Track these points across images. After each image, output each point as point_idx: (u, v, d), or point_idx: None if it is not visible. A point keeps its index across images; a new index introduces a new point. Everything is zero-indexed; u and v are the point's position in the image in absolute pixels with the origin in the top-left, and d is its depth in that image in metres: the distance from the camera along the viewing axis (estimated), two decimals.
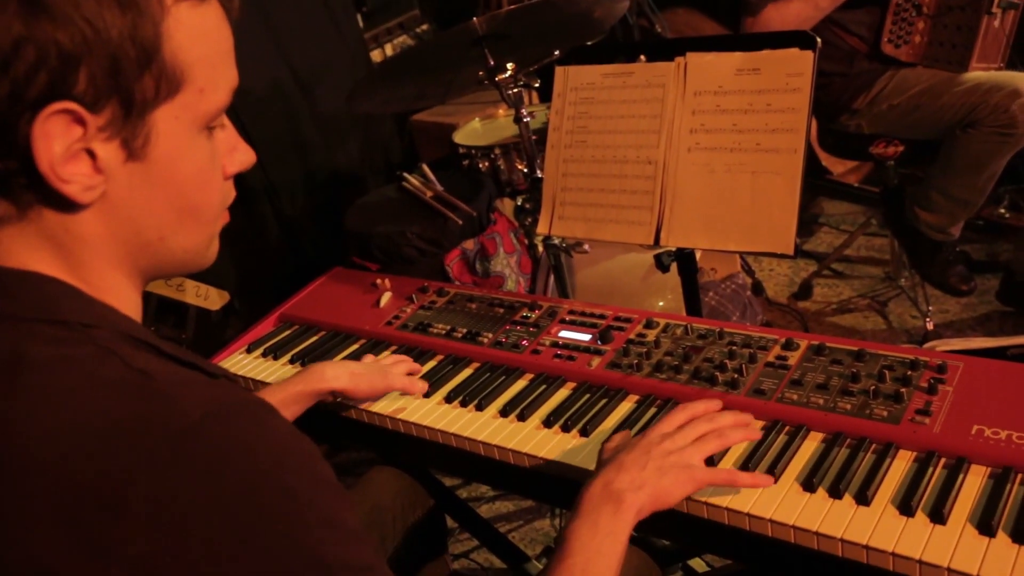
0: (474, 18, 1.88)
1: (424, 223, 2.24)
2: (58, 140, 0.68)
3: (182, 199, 0.77)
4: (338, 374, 1.39)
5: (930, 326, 2.46)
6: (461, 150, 2.63)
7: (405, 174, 2.51)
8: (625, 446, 1.07)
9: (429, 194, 2.36)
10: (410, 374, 1.47)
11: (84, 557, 0.62)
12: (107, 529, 0.62)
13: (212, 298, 2.32)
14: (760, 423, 1.18)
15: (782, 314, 2.78)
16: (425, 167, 2.51)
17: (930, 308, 2.50)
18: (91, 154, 0.70)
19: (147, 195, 0.75)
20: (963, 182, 2.26)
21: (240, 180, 2.80)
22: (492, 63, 1.94)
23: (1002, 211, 2.78)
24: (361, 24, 3.94)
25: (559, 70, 1.70)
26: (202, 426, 0.66)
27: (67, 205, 0.72)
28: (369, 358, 1.50)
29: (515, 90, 1.92)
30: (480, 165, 2.57)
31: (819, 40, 1.42)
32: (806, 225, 3.24)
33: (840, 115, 2.44)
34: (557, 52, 1.92)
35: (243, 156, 0.84)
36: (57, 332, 0.70)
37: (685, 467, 1.02)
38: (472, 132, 2.83)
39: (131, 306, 0.79)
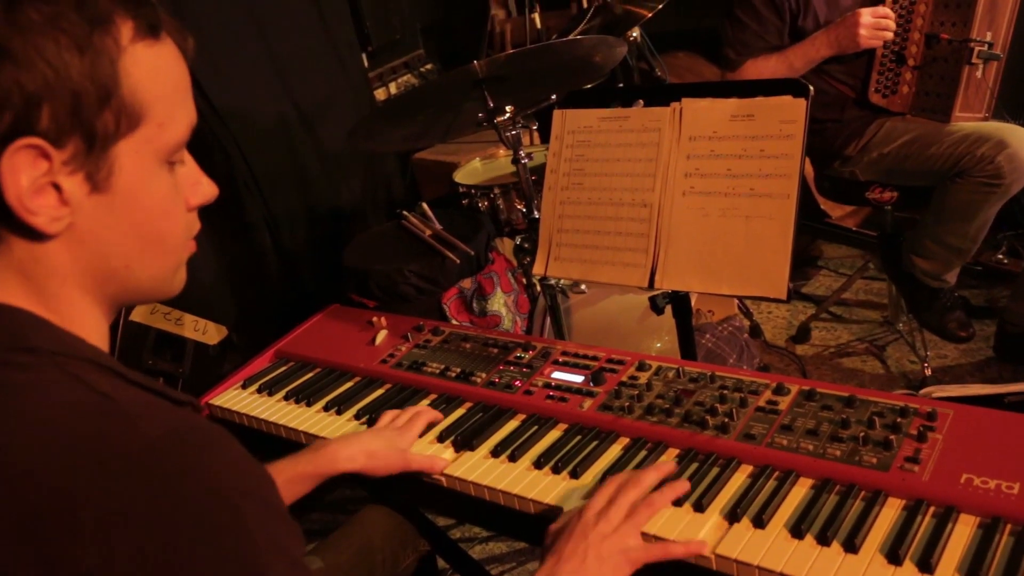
0: (475, 61, 1.90)
1: (422, 261, 2.25)
2: (24, 174, 0.72)
3: (146, 229, 0.81)
4: (353, 456, 1.33)
5: (928, 372, 2.45)
6: (461, 189, 2.65)
7: (405, 212, 2.52)
8: (564, 529, 1.09)
9: (428, 232, 2.38)
10: (431, 424, 1.44)
11: (39, 571, 0.64)
12: (61, 543, 0.64)
13: (210, 333, 2.32)
14: (749, 468, 1.18)
15: (780, 357, 2.78)
16: (424, 205, 2.53)
17: (928, 353, 2.50)
18: (57, 187, 0.74)
19: (112, 225, 0.78)
20: (955, 230, 2.27)
21: (240, 213, 2.82)
22: (492, 105, 1.97)
23: (1000, 257, 2.79)
24: (366, 63, 4.00)
25: (557, 113, 1.72)
26: (159, 446, 0.68)
27: (35, 236, 0.75)
28: (387, 417, 1.44)
29: (513, 132, 1.94)
30: (479, 204, 2.58)
31: (811, 88, 1.44)
32: (804, 268, 3.25)
33: (834, 161, 2.47)
34: (554, 96, 1.94)
35: (206, 189, 0.88)
36: (25, 359, 0.72)
37: (622, 551, 1.06)
38: (472, 171, 2.85)
39: (98, 334, 0.82)
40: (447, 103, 2.11)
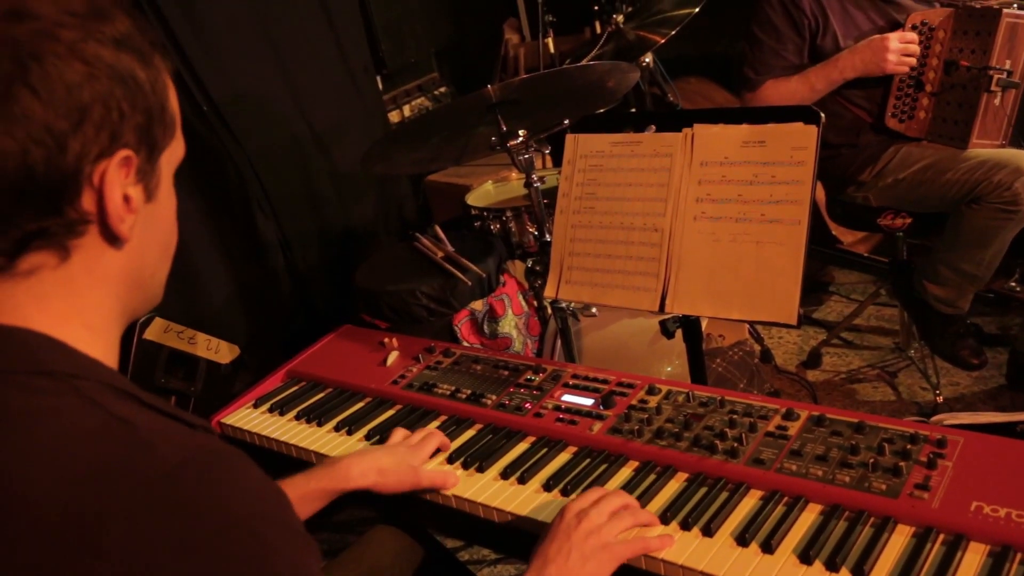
0: (488, 86, 1.92)
1: (434, 283, 2.26)
2: (119, 184, 0.77)
3: (167, 238, 0.88)
4: (365, 471, 1.34)
5: (940, 399, 2.44)
6: (473, 212, 2.66)
7: (417, 234, 2.54)
8: (547, 533, 1.12)
9: (440, 254, 2.39)
10: (439, 450, 1.44)
11: None
12: (83, 570, 0.64)
13: (222, 352, 2.34)
14: (759, 493, 1.18)
15: (791, 383, 2.77)
16: (437, 227, 2.54)
17: (940, 381, 2.49)
18: (126, 197, 0.78)
19: (152, 233, 0.84)
20: (969, 257, 2.27)
21: (254, 234, 2.83)
22: (505, 129, 1.98)
23: (1013, 284, 2.77)
24: (381, 86, 4.04)
25: (569, 137, 1.74)
26: (178, 472, 0.69)
27: (112, 242, 0.79)
28: (399, 434, 1.46)
29: (526, 155, 1.96)
30: (491, 227, 2.60)
31: (823, 115, 1.45)
32: (816, 294, 3.25)
33: (847, 186, 2.47)
34: (567, 121, 1.96)
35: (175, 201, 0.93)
36: (42, 383, 0.73)
37: (605, 547, 1.09)
38: (485, 194, 2.87)
39: (114, 351, 0.84)
40: (460, 127, 2.13)
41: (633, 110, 3.04)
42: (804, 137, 1.47)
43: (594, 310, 2.41)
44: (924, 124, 2.31)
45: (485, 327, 2.31)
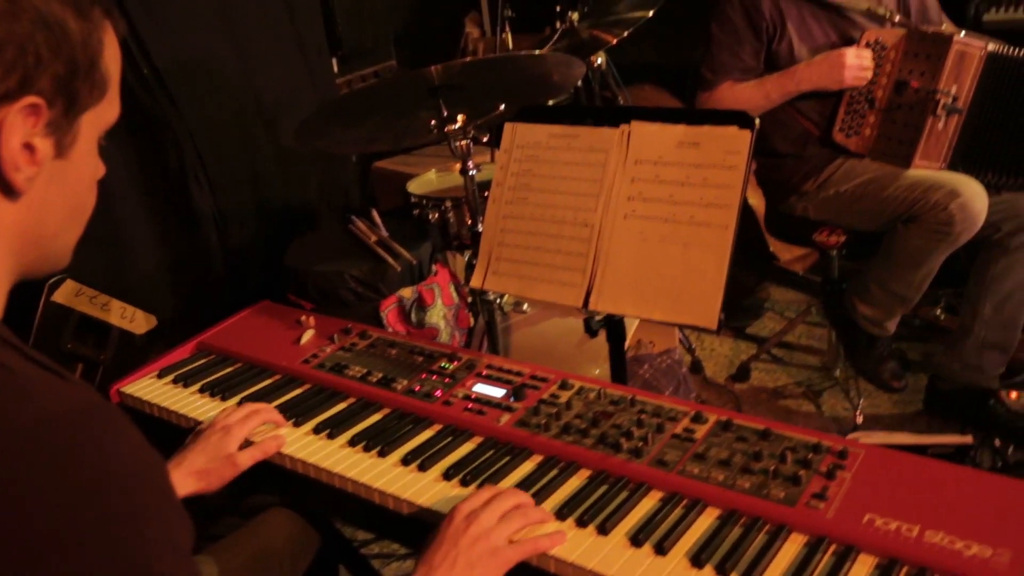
0: (432, 66, 1.88)
1: (363, 266, 2.21)
2: (20, 131, 0.74)
3: (79, 199, 0.86)
4: (182, 481, 1.28)
5: (859, 419, 2.46)
6: (413, 199, 2.62)
7: (353, 217, 2.49)
8: (434, 535, 1.08)
9: (373, 238, 2.34)
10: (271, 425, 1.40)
11: None
12: None
13: (138, 321, 2.26)
14: (659, 494, 1.15)
15: (718, 394, 2.77)
16: (374, 212, 2.49)
17: (861, 402, 2.51)
18: (30, 147, 0.76)
19: (58, 192, 0.81)
20: (901, 276, 2.29)
21: (188, 205, 2.74)
22: (445, 113, 1.94)
23: (938, 312, 2.82)
24: (336, 68, 3.97)
25: (508, 126, 1.71)
26: (58, 422, 0.67)
27: (5, 192, 0.76)
28: (220, 415, 1.40)
29: (464, 142, 1.92)
30: (430, 216, 2.55)
31: (757, 121, 1.43)
32: (752, 309, 3.27)
33: (789, 196, 2.48)
34: (503, 107, 1.93)
35: (102, 169, 0.91)
36: None
37: (493, 552, 1.05)
38: (426, 182, 2.83)
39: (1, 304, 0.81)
40: (401, 108, 2.08)
41: None
42: (737, 142, 1.45)
43: (525, 307, 2.39)
44: (869, 141, 2.33)
45: (412, 315, 2.26)
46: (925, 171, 2.23)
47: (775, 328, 3.07)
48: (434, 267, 2.34)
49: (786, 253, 3.02)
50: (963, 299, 2.41)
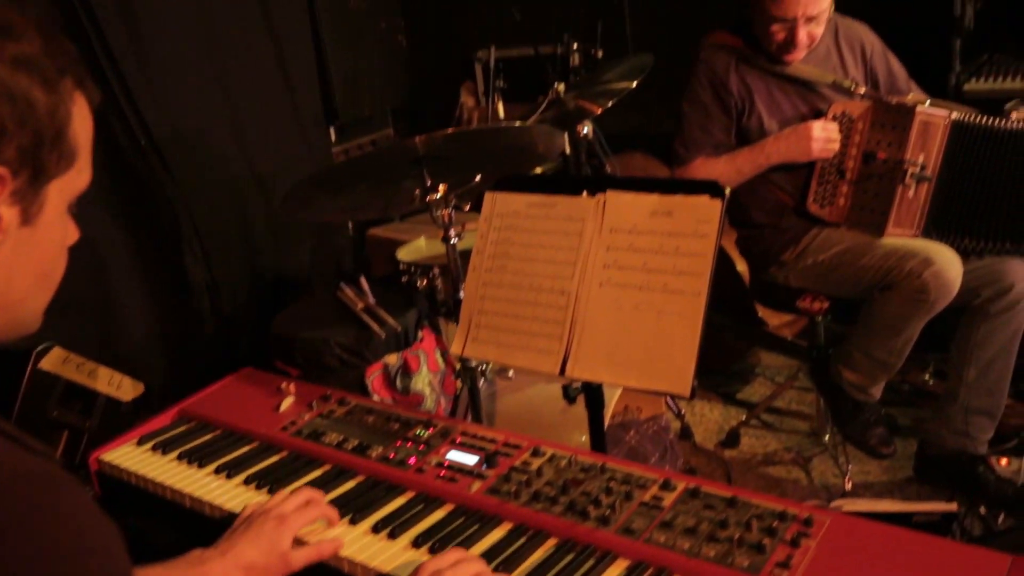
0: (416, 137, 1.93)
1: (349, 333, 2.23)
2: None
3: (47, 266, 0.87)
4: (228, 572, 1.17)
5: (848, 486, 2.44)
6: (402, 266, 2.65)
7: (342, 284, 2.52)
8: None
9: (360, 305, 2.37)
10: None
11: None
12: None
13: (125, 388, 2.27)
14: (625, 563, 1.15)
15: (707, 461, 2.76)
16: (363, 279, 2.52)
17: (851, 468, 2.49)
18: None
19: (25, 259, 0.82)
20: (881, 343, 2.30)
21: (180, 273, 2.77)
22: (429, 183, 1.98)
23: (926, 377, 2.82)
24: (334, 136, 4.05)
25: (488, 195, 1.74)
26: (8, 487, 0.68)
27: None
28: (278, 498, 1.31)
29: (446, 211, 1.96)
30: (418, 283, 2.58)
31: (728, 191, 1.46)
32: (742, 374, 3.26)
33: (770, 266, 2.51)
34: (478, 178, 1.97)
35: (75, 234, 0.91)
36: None
37: None
38: (416, 249, 2.87)
39: None
40: (387, 177, 2.12)
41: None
42: (709, 211, 1.48)
43: (511, 373, 2.40)
44: (843, 210, 2.37)
45: (398, 382, 2.27)
46: (899, 239, 2.25)
47: (765, 393, 3.07)
48: (420, 333, 2.36)
49: (774, 319, 3.04)
50: (948, 365, 2.41)
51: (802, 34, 2.30)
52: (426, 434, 1.52)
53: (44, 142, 0.79)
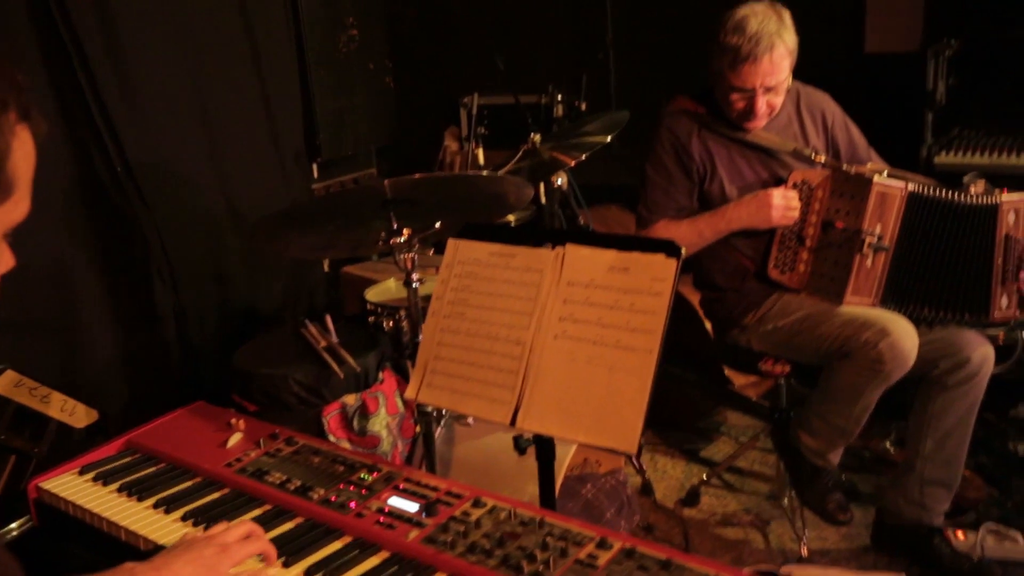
0: (385, 180, 1.94)
1: (308, 371, 2.22)
2: None
3: None
4: None
5: (804, 552, 2.43)
6: (369, 306, 2.65)
7: (307, 320, 2.51)
8: None
9: (323, 343, 2.36)
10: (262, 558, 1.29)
11: None
12: None
13: (78, 415, 2.24)
14: None
15: (666, 519, 2.74)
16: (328, 317, 2.52)
17: (808, 533, 2.48)
18: None
19: None
20: (839, 410, 2.30)
21: (149, 300, 2.75)
22: (395, 226, 1.99)
23: (887, 445, 2.82)
24: (316, 173, 4.07)
25: (451, 242, 1.76)
26: None
27: None
28: (219, 527, 1.30)
29: (409, 255, 1.96)
30: (384, 324, 2.58)
31: (683, 250, 1.48)
32: (707, 432, 3.26)
33: (732, 328, 2.52)
34: (438, 224, 1.98)
35: (8, 261, 0.92)
36: None
37: None
38: (385, 290, 2.86)
39: None
40: (356, 218, 2.13)
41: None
42: (664, 269, 1.49)
43: (469, 419, 2.38)
44: (803, 277, 2.38)
45: (355, 423, 2.26)
46: (857, 308, 2.27)
47: (729, 452, 3.06)
48: (381, 375, 2.35)
49: (740, 378, 3.05)
50: (906, 435, 2.41)
51: (761, 103, 2.33)
52: (370, 478, 1.51)
53: None
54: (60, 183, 2.67)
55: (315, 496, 1.46)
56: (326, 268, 3.94)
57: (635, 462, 2.83)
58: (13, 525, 1.91)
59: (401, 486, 1.48)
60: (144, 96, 2.89)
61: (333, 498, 1.45)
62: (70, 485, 1.60)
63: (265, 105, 3.44)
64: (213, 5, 3.16)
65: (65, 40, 2.64)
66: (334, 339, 2.39)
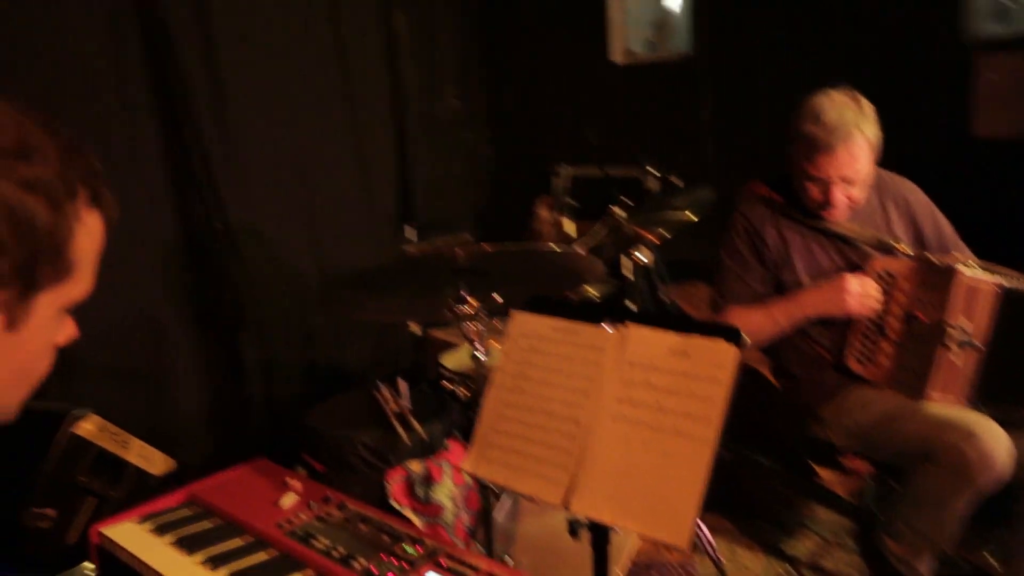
0: (456, 248, 1.96)
1: (376, 434, 2.23)
2: None
3: (26, 366, 0.87)
4: None
5: None
6: (444, 372, 2.65)
7: (380, 383, 2.53)
8: None
9: (393, 407, 2.37)
10: None
11: None
12: None
13: (155, 462, 2.30)
14: None
15: None
16: (401, 381, 2.53)
17: None
18: None
19: (5, 359, 0.83)
20: (926, 516, 2.14)
21: (236, 355, 2.83)
22: (463, 294, 2.00)
23: (987, 555, 2.60)
24: (415, 237, 4.16)
25: (514, 314, 1.75)
26: None
27: None
28: None
29: (474, 324, 1.96)
30: (457, 391, 2.57)
31: (746, 338, 1.42)
32: (792, 527, 3.09)
33: (810, 420, 2.40)
34: (500, 299, 1.97)
35: (72, 332, 0.92)
36: None
37: None
38: (462, 357, 2.86)
39: None
40: (430, 284, 2.15)
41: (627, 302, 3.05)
42: (725, 356, 1.44)
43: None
44: (884, 370, 2.25)
45: (418, 490, 2.24)
46: (942, 408, 2.12)
47: (813, 549, 2.89)
48: (448, 443, 2.34)
49: (827, 472, 2.89)
50: (1010, 546, 2.23)
51: (838, 195, 2.24)
52: (413, 551, 1.48)
53: (40, 258, 0.80)
54: (161, 236, 2.81)
55: (357, 566, 1.45)
56: (418, 331, 3.99)
57: (712, 553, 2.70)
58: (90, 566, 1.97)
59: (443, 563, 1.45)
60: (247, 155, 3.04)
61: (374, 569, 1.43)
62: (129, 533, 1.64)
63: (362, 168, 3.56)
64: (317, 69, 3.31)
65: (176, 101, 2.80)
66: (405, 403, 2.40)
